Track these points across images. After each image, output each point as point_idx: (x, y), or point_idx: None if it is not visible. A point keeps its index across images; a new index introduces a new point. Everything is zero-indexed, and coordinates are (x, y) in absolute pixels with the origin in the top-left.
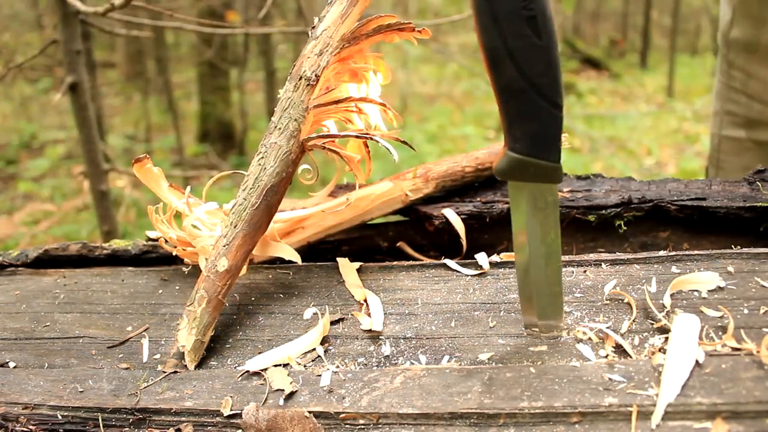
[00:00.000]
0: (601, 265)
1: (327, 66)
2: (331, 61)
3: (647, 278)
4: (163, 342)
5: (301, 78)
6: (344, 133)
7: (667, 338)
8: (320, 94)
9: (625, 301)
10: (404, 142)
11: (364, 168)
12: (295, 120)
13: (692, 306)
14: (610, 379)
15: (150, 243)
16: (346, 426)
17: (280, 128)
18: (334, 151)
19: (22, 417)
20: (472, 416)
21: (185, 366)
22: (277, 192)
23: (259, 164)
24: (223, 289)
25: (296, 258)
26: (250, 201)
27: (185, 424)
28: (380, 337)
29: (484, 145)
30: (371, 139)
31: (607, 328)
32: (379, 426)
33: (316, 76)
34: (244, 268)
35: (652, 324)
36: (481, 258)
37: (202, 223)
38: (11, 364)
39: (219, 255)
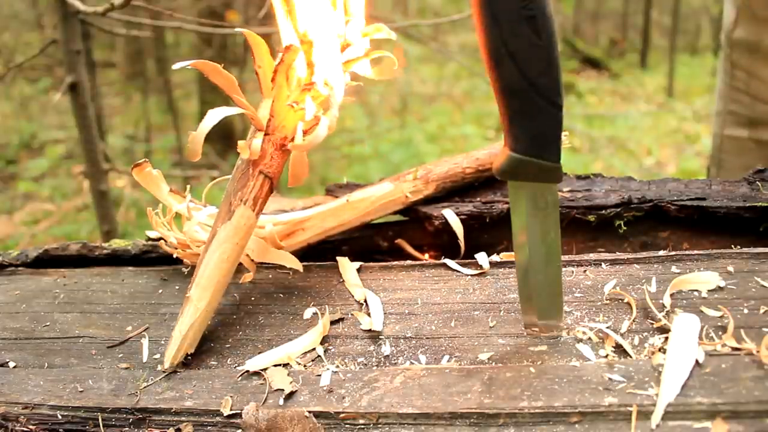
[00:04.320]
0: (601, 265)
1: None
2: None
3: (647, 278)
4: (163, 342)
5: None
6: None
7: (667, 338)
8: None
9: (625, 300)
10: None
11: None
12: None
13: (692, 306)
14: (610, 379)
15: (150, 243)
16: (346, 426)
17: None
18: (237, 100)
19: (22, 417)
20: (472, 416)
21: (185, 365)
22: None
23: None
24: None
25: (297, 266)
26: None
27: (185, 423)
28: (380, 336)
29: (484, 145)
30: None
31: (607, 328)
32: (379, 426)
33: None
34: (249, 275)
35: (652, 324)
36: (481, 258)
37: (202, 226)
38: (11, 364)
39: None
